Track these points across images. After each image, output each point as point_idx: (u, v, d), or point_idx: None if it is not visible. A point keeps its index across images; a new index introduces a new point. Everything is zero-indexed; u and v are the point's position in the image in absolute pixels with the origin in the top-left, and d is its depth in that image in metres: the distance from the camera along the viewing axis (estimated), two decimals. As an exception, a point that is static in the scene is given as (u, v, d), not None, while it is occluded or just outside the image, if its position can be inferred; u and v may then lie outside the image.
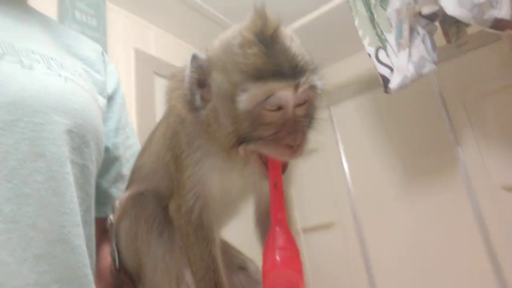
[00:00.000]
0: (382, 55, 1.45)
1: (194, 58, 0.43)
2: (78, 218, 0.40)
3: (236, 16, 1.94)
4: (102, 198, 0.55)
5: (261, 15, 0.42)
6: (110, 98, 0.58)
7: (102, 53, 0.60)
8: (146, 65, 1.68)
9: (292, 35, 0.45)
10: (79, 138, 0.42)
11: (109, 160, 0.56)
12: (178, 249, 0.46)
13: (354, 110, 2.17)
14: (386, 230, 1.94)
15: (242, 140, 0.41)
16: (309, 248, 2.18)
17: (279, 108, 0.40)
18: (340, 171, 2.17)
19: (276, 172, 0.42)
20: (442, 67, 1.52)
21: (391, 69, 1.42)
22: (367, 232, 2.01)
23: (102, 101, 0.54)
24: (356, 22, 1.53)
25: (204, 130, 0.43)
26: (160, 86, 1.73)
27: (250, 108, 0.39)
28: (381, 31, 1.46)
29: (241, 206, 0.53)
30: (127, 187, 0.54)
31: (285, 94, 0.39)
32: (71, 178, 0.40)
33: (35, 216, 0.36)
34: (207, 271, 0.43)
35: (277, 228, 0.40)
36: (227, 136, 0.41)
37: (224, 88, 0.41)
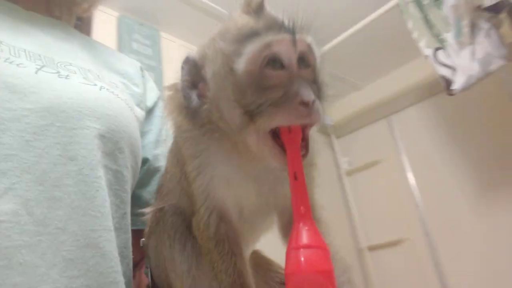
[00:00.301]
0: (441, 56, 1.34)
1: (185, 61, 0.41)
2: (110, 223, 0.40)
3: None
4: (143, 209, 0.55)
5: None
6: (150, 112, 0.59)
7: (141, 69, 0.62)
8: (199, 88, 1.75)
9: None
10: (112, 144, 0.43)
11: (149, 171, 0.57)
12: (205, 262, 0.44)
13: (416, 117, 2.03)
14: (461, 246, 1.75)
15: (250, 114, 0.36)
16: (377, 267, 2.04)
17: (282, 66, 0.36)
18: (405, 184, 2.02)
19: (295, 161, 0.36)
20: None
21: (453, 70, 1.30)
22: (440, 249, 1.83)
23: (140, 112, 0.55)
24: (410, 25, 1.45)
25: (207, 129, 0.39)
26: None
27: (250, 69, 0.35)
28: (439, 31, 1.36)
29: (268, 215, 0.49)
30: (151, 205, 0.53)
31: (283, 45, 0.36)
32: (102, 183, 0.41)
33: (65, 220, 0.36)
34: (233, 286, 0.40)
35: (301, 224, 0.35)
36: (233, 116, 0.37)
37: (219, 65, 0.38)
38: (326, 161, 2.29)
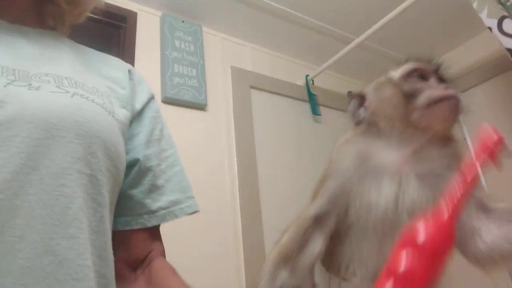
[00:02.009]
0: (508, 25, 1.17)
1: (349, 94, 0.61)
2: (72, 231, 0.39)
3: (327, 20, 1.87)
4: (137, 209, 0.55)
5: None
6: (139, 113, 0.59)
7: (129, 72, 0.62)
8: (243, 80, 1.73)
9: None
10: (83, 149, 0.43)
11: (140, 171, 0.56)
12: None
13: (483, 98, 1.81)
14: None
15: (409, 97, 0.52)
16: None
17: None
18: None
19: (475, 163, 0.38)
20: None
21: (523, 41, 1.13)
22: None
23: (124, 113, 0.55)
24: (469, -7, 1.28)
25: (372, 124, 0.56)
26: (256, 99, 1.76)
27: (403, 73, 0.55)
28: (505, -4, 1.18)
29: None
30: None
31: (425, 67, 0.55)
32: (66, 190, 0.40)
33: (24, 228, 0.36)
34: None
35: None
36: (397, 108, 0.52)
37: (382, 83, 0.57)
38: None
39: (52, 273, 0.37)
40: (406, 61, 0.57)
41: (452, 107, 0.52)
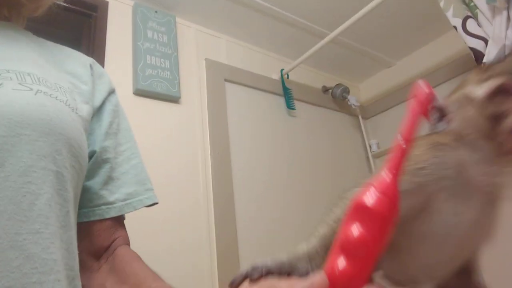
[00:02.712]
0: (471, 25, 1.22)
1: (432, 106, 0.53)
2: (38, 226, 0.40)
3: (303, 15, 1.88)
4: (95, 200, 0.56)
5: None
6: (100, 107, 0.60)
7: (91, 66, 0.62)
8: (217, 73, 1.73)
9: None
10: (48, 146, 0.43)
11: (97, 163, 0.57)
12: None
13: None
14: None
15: (494, 119, 0.46)
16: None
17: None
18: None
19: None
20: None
21: (485, 41, 1.18)
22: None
23: (87, 109, 0.56)
24: (437, -8, 1.32)
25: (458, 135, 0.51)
26: (231, 92, 1.76)
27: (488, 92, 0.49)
28: (469, -3, 1.23)
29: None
30: None
31: None
32: (33, 187, 0.41)
33: None
34: None
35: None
36: (480, 126, 0.48)
37: (464, 100, 0.50)
38: (354, 143, 2.20)
39: (19, 267, 0.37)
40: (487, 71, 0.50)
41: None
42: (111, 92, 0.63)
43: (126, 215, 0.60)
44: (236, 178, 1.59)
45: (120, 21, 1.52)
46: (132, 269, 0.54)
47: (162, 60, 1.52)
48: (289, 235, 1.65)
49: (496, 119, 0.46)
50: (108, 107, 0.61)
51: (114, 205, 0.56)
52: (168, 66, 1.53)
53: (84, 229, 0.54)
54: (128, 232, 0.60)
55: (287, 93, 1.95)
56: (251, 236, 1.53)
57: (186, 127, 1.55)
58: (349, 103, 2.14)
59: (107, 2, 1.50)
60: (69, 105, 0.49)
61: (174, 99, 1.54)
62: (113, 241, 0.57)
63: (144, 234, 1.25)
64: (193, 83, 1.65)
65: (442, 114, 0.52)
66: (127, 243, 0.59)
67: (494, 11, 1.14)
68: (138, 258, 0.56)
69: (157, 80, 1.48)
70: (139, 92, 1.44)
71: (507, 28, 1.11)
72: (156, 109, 1.49)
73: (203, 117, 1.61)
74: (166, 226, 1.32)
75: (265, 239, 1.58)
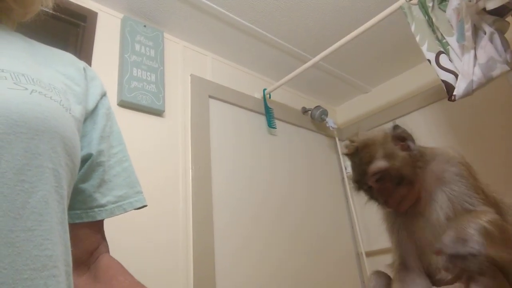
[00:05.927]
0: (444, 60, 1.32)
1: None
2: (29, 224, 0.41)
3: (286, 38, 1.95)
4: (88, 202, 0.57)
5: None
6: (93, 111, 0.61)
7: (84, 69, 0.63)
8: (202, 89, 1.76)
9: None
10: (44, 144, 0.44)
11: (92, 166, 0.58)
12: None
13: (422, 121, 1.99)
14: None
15: None
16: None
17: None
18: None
19: None
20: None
21: (456, 75, 1.28)
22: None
23: (80, 109, 0.56)
24: (413, 28, 1.42)
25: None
26: (214, 108, 1.79)
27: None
28: (442, 35, 1.33)
29: None
30: None
31: None
32: (26, 185, 0.41)
33: None
34: None
35: None
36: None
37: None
38: (330, 164, 2.27)
39: (11, 263, 0.38)
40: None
41: None
42: (103, 95, 0.64)
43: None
44: (216, 193, 1.60)
45: (109, 32, 1.53)
46: (119, 284, 0.54)
47: (148, 73, 1.54)
48: (262, 249, 1.67)
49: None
50: (102, 111, 0.62)
51: (106, 207, 0.57)
52: (154, 80, 1.55)
53: (71, 232, 0.54)
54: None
55: (268, 112, 2.00)
56: (226, 249, 1.54)
57: (168, 140, 1.55)
58: (327, 125, 2.22)
59: (97, 13, 1.51)
60: (63, 105, 0.50)
61: (158, 112, 1.55)
62: (96, 247, 0.58)
63: (118, 248, 1.23)
64: (178, 98, 1.67)
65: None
66: (108, 251, 0.60)
67: (463, 49, 1.24)
68: (123, 269, 0.57)
69: (142, 93, 1.49)
70: (124, 104, 1.45)
71: (474, 65, 1.21)
72: (140, 121, 1.49)
73: (186, 131, 1.62)
74: (142, 241, 1.31)
75: (241, 251, 1.59)
